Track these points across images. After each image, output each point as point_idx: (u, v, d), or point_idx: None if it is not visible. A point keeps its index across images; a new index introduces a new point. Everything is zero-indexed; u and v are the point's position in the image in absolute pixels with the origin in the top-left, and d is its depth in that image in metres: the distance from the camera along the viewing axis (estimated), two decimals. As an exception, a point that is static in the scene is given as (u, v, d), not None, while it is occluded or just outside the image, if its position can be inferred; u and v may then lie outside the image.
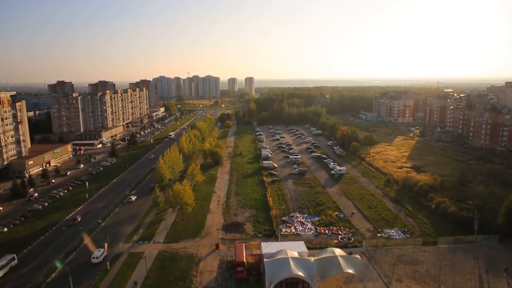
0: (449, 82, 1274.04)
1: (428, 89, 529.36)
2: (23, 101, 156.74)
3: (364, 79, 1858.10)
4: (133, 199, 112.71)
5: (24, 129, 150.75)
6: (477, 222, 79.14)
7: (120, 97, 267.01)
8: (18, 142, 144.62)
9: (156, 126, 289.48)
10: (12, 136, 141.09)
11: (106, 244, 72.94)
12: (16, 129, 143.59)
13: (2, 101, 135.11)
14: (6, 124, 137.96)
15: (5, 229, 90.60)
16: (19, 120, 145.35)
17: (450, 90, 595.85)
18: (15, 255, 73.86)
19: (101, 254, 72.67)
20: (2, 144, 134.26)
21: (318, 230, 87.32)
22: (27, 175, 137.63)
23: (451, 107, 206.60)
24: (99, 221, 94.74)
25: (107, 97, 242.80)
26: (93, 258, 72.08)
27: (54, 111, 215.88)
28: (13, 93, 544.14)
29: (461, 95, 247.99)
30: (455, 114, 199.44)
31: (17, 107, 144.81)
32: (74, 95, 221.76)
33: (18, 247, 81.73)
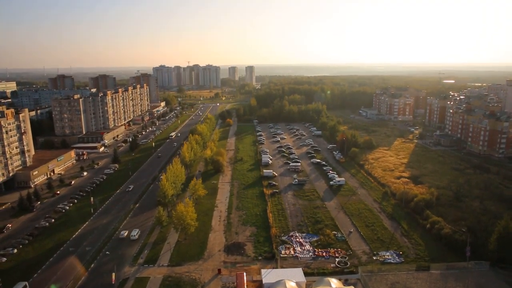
0: (451, 68, 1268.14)
1: (430, 82, 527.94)
2: (26, 110, 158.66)
3: (367, 65, 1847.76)
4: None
5: (28, 138, 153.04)
6: (468, 249, 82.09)
7: (121, 96, 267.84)
8: (22, 152, 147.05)
9: (157, 124, 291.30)
10: (16, 147, 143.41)
11: (113, 274, 76.25)
12: (20, 140, 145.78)
13: (6, 114, 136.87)
14: (11, 136, 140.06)
15: (15, 251, 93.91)
16: (22, 131, 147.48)
17: (452, 81, 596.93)
18: (26, 283, 77.28)
19: None
20: (7, 156, 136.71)
21: (316, 253, 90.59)
22: (32, 185, 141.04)
23: (451, 111, 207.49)
24: (106, 253, 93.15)
25: (108, 97, 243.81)
26: None
27: (56, 114, 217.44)
28: (14, 86, 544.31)
29: (461, 96, 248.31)
30: (455, 118, 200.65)
31: (21, 118, 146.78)
32: (75, 97, 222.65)
33: (29, 271, 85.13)
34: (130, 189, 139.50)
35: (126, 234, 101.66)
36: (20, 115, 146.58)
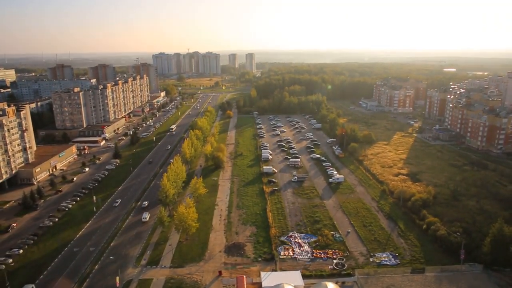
0: (455, 55, 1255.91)
1: (431, 71, 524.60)
2: (27, 107, 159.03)
3: (370, 51, 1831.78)
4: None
5: (30, 135, 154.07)
6: (462, 252, 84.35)
7: (121, 88, 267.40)
8: (24, 149, 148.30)
9: (157, 116, 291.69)
10: (18, 145, 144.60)
11: (117, 278, 78.53)
12: (22, 137, 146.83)
13: (8, 112, 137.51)
14: (12, 134, 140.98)
15: (21, 251, 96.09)
16: (24, 128, 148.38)
17: (453, 69, 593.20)
18: (33, 286, 79.76)
19: None
20: (10, 154, 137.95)
21: (314, 254, 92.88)
22: (35, 182, 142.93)
23: (451, 105, 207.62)
24: (110, 257, 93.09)
25: (108, 90, 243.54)
26: None
27: (56, 107, 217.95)
28: (13, 73, 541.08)
29: (461, 90, 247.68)
30: (454, 112, 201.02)
31: (22, 116, 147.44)
32: (75, 90, 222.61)
33: (34, 272, 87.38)
34: (117, 204, 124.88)
35: (147, 204, 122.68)
36: (21, 113, 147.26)
